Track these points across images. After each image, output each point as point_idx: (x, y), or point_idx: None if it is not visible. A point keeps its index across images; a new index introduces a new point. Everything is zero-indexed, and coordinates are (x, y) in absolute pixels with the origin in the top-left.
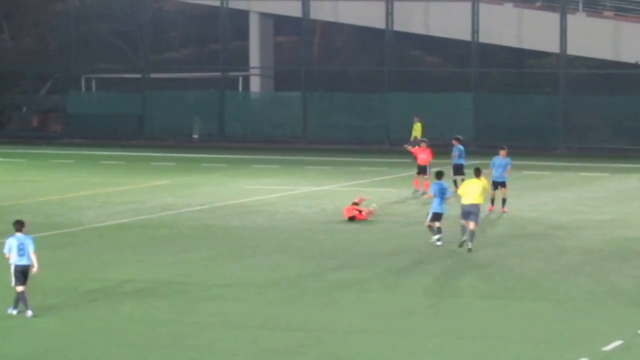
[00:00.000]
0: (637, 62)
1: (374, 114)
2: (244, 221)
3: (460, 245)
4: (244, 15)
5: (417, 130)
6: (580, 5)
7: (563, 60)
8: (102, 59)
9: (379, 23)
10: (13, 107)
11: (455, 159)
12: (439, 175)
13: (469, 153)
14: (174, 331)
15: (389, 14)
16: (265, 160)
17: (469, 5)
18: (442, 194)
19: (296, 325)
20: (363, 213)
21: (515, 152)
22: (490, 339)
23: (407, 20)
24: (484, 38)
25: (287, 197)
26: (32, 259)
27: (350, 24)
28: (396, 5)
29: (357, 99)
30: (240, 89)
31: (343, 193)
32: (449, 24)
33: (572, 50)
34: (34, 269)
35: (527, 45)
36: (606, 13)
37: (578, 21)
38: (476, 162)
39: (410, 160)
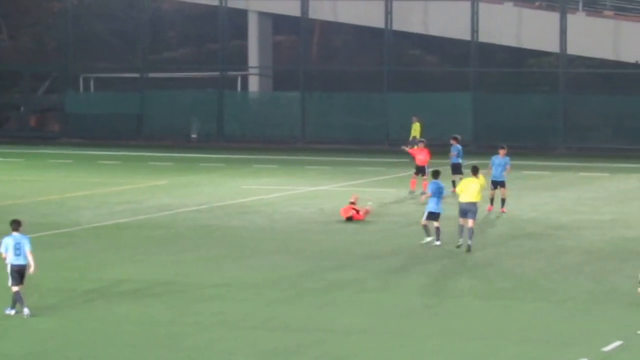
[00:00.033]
0: (637, 62)
1: (373, 113)
2: (242, 221)
3: (458, 246)
4: (242, 14)
5: (415, 130)
6: (580, 4)
7: (563, 59)
8: (100, 59)
9: (378, 22)
10: (11, 106)
11: (453, 159)
12: (436, 174)
13: (468, 153)
14: (172, 331)
15: (388, 13)
16: (264, 160)
17: (468, 4)
18: (439, 193)
19: (295, 326)
20: (360, 213)
21: (515, 152)
22: (490, 339)
23: (406, 20)
24: (483, 37)
25: (286, 197)
26: (28, 258)
27: (349, 24)
28: (395, 4)
29: (356, 99)
30: (238, 88)
31: (342, 193)
32: (448, 23)
33: (572, 49)
34: (31, 269)
35: (527, 44)
36: (606, 12)
37: (578, 20)
38: (476, 162)
39: (408, 160)
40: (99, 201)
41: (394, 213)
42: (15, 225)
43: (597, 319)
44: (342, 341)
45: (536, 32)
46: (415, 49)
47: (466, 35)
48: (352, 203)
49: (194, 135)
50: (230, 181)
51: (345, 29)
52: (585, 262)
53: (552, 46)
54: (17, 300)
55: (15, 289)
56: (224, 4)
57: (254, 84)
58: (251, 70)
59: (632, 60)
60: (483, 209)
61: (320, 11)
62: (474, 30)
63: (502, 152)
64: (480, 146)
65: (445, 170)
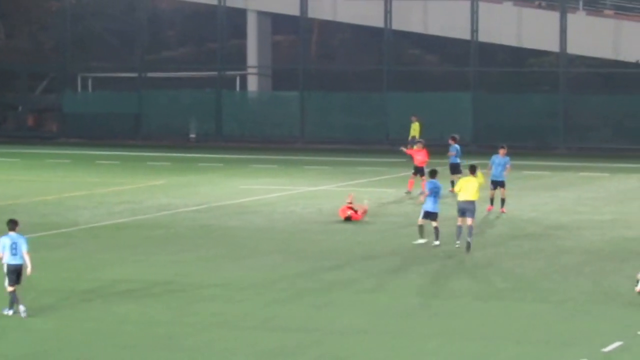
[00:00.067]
0: (637, 61)
1: (372, 113)
2: (241, 221)
3: (457, 247)
4: (241, 13)
5: (415, 130)
6: (581, 3)
7: (563, 59)
8: (99, 58)
9: (378, 22)
10: (8, 106)
11: (452, 158)
12: (433, 173)
13: (468, 153)
14: (170, 332)
15: (388, 12)
16: (263, 160)
17: (468, 3)
18: (436, 192)
19: (294, 326)
20: (358, 212)
21: (515, 152)
22: (490, 339)
23: (406, 19)
24: (483, 37)
25: (285, 197)
26: (25, 259)
27: (349, 23)
28: (395, 3)
29: (356, 98)
30: (237, 88)
31: (341, 193)
32: (448, 22)
33: (572, 49)
34: (28, 270)
35: (527, 44)
36: (606, 12)
37: (578, 20)
38: (475, 162)
39: (406, 160)
40: (97, 201)
41: (393, 213)
42: (12, 224)
43: (597, 319)
44: (341, 341)
45: (536, 31)
46: (415, 49)
47: (466, 35)
48: (350, 204)
49: (192, 135)
50: (229, 181)
51: (344, 29)
52: (585, 262)
53: (552, 46)
54: (13, 301)
55: (10, 288)
56: (222, 3)
57: (252, 84)
58: (250, 70)
59: (632, 59)
60: (482, 209)
61: (320, 10)
62: (474, 29)
63: (502, 151)
64: (480, 146)
65: (444, 170)
